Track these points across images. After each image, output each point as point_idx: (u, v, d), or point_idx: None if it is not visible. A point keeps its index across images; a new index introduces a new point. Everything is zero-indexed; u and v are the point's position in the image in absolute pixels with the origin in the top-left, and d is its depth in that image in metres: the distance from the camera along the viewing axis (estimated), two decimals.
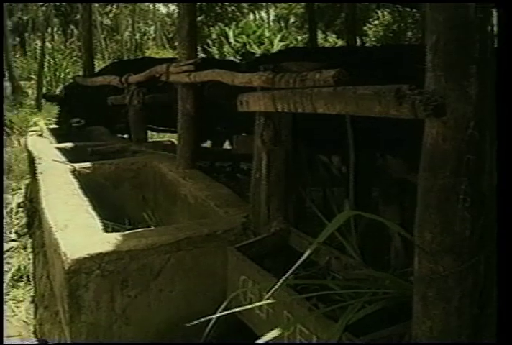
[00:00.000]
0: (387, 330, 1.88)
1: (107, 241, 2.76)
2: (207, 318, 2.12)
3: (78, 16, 35.19)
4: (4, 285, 4.42)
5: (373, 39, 22.25)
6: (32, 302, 4.11)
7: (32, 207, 5.98)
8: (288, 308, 2.18)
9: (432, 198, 1.59)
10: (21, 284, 4.48)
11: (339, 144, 2.91)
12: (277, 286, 1.85)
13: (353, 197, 2.82)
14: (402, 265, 2.65)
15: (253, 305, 2.27)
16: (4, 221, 5.96)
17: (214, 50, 20.76)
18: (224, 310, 2.21)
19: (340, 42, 23.20)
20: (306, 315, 2.06)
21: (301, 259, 1.79)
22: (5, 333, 3.62)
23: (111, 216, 3.94)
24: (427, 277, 1.62)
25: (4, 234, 5.82)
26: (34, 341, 3.61)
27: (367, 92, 1.79)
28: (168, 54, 26.64)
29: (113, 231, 3.66)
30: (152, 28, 43.79)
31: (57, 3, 37.30)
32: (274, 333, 1.99)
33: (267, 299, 2.14)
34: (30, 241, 5.30)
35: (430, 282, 1.61)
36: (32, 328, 3.76)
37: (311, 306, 2.09)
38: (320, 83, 2.19)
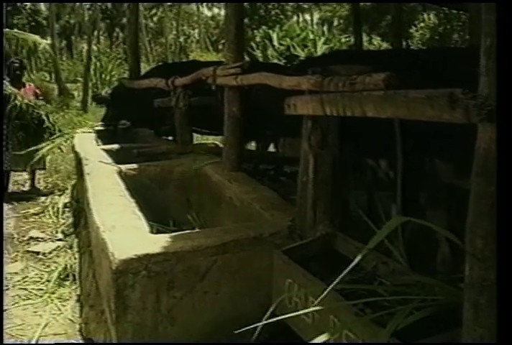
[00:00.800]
0: (437, 337, 1.85)
1: (154, 243, 2.79)
2: (253, 325, 2.11)
3: (124, 20, 35.71)
4: (50, 284, 4.50)
5: (419, 41, 22.04)
6: (78, 301, 4.17)
7: (78, 207, 6.07)
8: (334, 313, 2.16)
9: (484, 204, 1.56)
10: (67, 283, 4.55)
11: (387, 148, 2.88)
12: (325, 293, 1.82)
13: (400, 201, 2.79)
14: (449, 271, 2.62)
15: (300, 312, 2.25)
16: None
17: (258, 53, 20.83)
18: (270, 314, 2.20)
19: (385, 45, 23.04)
20: (353, 321, 2.04)
21: (350, 266, 1.77)
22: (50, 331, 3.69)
23: (155, 217, 3.97)
24: (478, 284, 1.59)
25: (50, 234, 5.93)
26: (79, 339, 3.67)
27: (419, 96, 1.78)
28: (212, 57, 26.82)
29: (158, 232, 3.69)
30: (196, 31, 44.19)
31: (104, 7, 37.92)
32: (320, 338, 1.98)
33: (315, 306, 2.12)
34: (76, 240, 5.38)
35: (481, 290, 1.58)
36: (77, 327, 3.81)
37: (358, 311, 2.07)
38: (370, 86, 2.18)
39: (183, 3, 35.30)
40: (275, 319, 2.15)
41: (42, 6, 36.64)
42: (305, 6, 36.56)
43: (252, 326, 2.12)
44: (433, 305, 2.00)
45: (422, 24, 23.06)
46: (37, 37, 11.02)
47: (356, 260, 1.81)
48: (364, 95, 2.18)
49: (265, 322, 2.13)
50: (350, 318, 2.07)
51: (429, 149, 2.87)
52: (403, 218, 1.61)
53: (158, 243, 2.78)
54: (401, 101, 1.91)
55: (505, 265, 1.51)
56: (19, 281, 4.62)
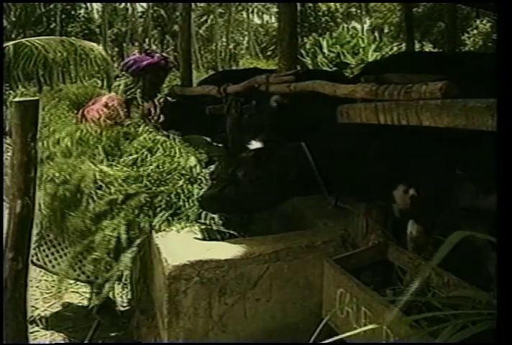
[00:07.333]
0: None
1: (206, 249, 2.81)
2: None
3: (175, 27, 36.01)
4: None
5: (471, 48, 21.73)
6: (129, 305, 4.20)
7: None
8: (387, 324, 2.13)
9: None
10: (118, 287, 4.58)
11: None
12: (392, 316, 1.78)
13: None
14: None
15: (360, 330, 2.20)
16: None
17: (308, 60, 20.76)
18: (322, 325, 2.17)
19: None
20: (409, 334, 2.01)
21: (414, 287, 1.73)
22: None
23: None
24: None
25: None
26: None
27: (479, 105, 1.75)
28: (262, 63, 26.86)
29: (210, 238, 3.70)
30: (246, 38, 44.47)
31: (155, 15, 38.49)
32: None
33: (369, 318, 2.09)
34: None
35: None
36: (128, 331, 3.84)
37: (413, 323, 2.04)
38: (426, 95, 2.16)
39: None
40: (335, 338, 2.10)
41: (95, 14, 37.46)
42: (356, 13, 36.54)
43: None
44: (491, 320, 1.94)
45: (475, 31, 22.75)
46: (94, 44, 11.16)
47: (419, 279, 1.77)
48: (420, 104, 2.16)
49: (325, 341, 2.09)
50: (405, 330, 2.04)
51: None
52: (464, 233, 1.57)
53: (211, 249, 2.81)
54: (459, 110, 1.88)
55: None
56: (70, 284, 4.65)
